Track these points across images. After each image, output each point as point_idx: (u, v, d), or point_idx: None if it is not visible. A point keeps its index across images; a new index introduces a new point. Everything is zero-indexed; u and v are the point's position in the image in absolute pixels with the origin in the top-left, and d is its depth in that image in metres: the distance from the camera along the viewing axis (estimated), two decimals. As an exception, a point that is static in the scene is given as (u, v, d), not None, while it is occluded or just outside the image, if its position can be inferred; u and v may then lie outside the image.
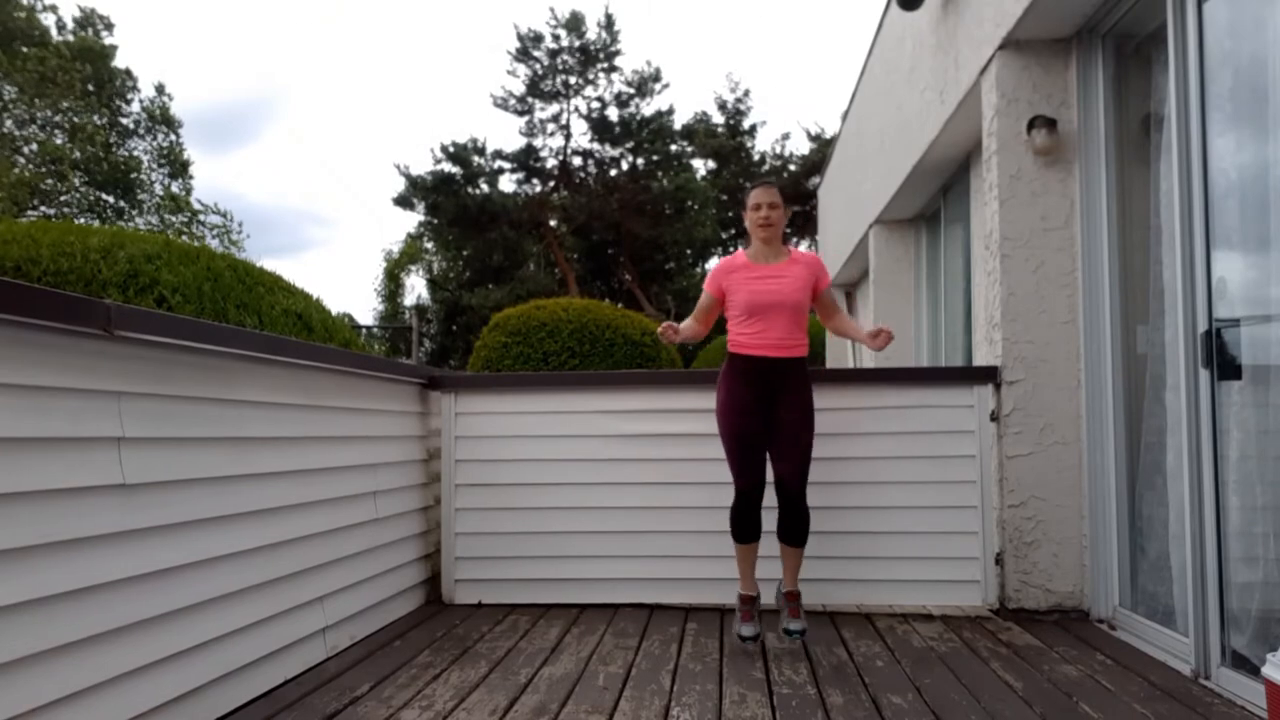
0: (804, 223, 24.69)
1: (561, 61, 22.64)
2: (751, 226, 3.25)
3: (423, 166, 25.97)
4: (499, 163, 22.71)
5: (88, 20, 21.97)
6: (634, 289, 22.92)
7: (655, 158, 23.33)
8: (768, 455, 3.21)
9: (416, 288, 26.24)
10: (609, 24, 22.66)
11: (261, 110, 49.07)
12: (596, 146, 23.44)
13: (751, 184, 3.31)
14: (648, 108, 23.24)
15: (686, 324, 3.39)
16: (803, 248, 25.54)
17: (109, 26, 22.35)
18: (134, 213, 21.90)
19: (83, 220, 19.82)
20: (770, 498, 3.26)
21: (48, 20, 21.12)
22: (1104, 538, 3.52)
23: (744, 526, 3.23)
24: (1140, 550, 3.37)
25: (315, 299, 5.58)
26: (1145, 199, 3.30)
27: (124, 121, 22.32)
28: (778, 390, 3.16)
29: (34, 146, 19.85)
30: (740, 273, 3.24)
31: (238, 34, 48.62)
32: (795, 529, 3.20)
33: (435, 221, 22.82)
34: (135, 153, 22.43)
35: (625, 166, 23.55)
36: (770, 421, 3.17)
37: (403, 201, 22.63)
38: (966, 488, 3.79)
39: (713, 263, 25.52)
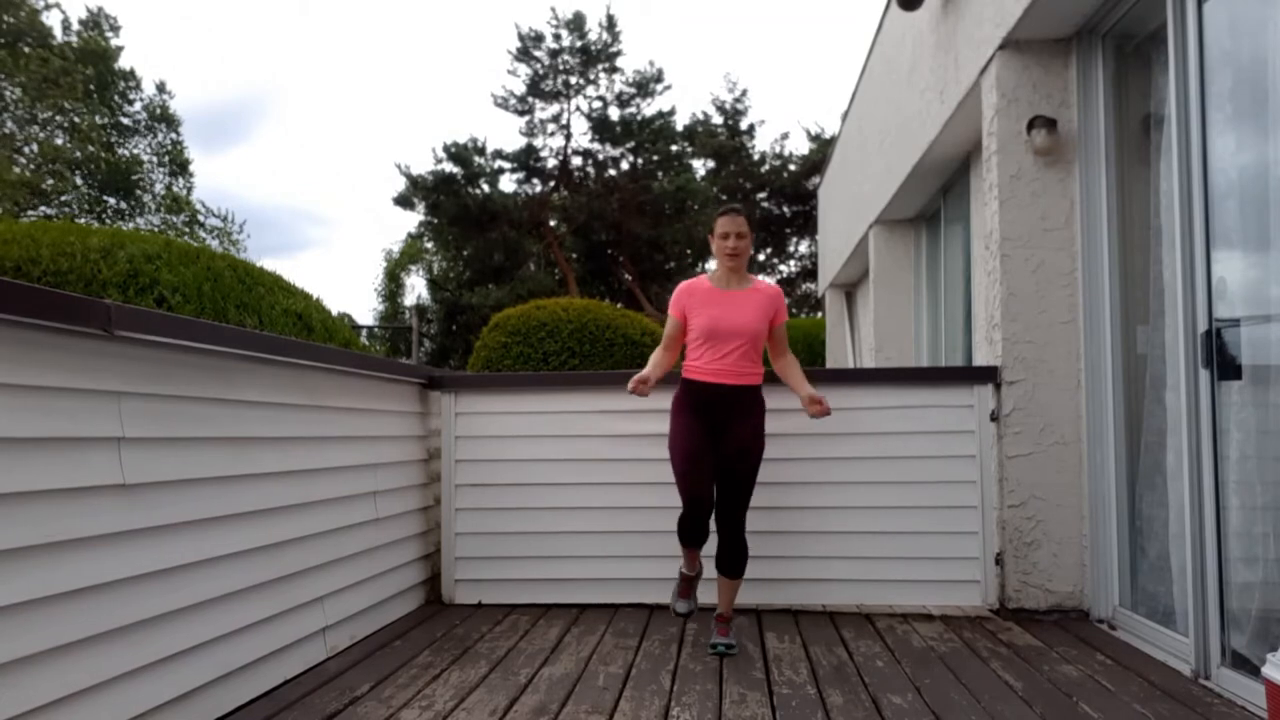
0: (804, 223, 24.70)
1: (562, 61, 22.62)
2: (718, 254, 3.23)
3: (423, 166, 25.93)
4: (499, 163, 22.68)
5: (95, 20, 21.94)
6: (634, 289, 22.91)
7: (655, 158, 23.32)
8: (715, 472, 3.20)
9: (416, 288, 26.26)
10: (610, 24, 22.64)
11: (259, 109, 48.99)
12: (597, 146, 23.43)
13: (720, 210, 3.26)
14: (649, 108, 23.24)
15: (655, 358, 3.30)
16: (803, 248, 25.31)
17: (115, 28, 22.32)
18: (135, 213, 21.88)
19: (83, 220, 19.82)
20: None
21: (51, 20, 21.12)
22: (1104, 538, 3.52)
23: (692, 533, 3.20)
24: (1140, 550, 3.37)
25: (315, 299, 5.59)
26: (1145, 199, 3.30)
27: (125, 121, 22.30)
28: (729, 417, 3.16)
29: (34, 146, 19.85)
30: (701, 296, 3.22)
31: (235, 33, 48.57)
32: (734, 561, 3.22)
33: (435, 221, 22.81)
34: (136, 151, 22.41)
35: (625, 166, 23.54)
36: (719, 446, 3.16)
37: (403, 201, 22.61)
38: (966, 488, 3.79)
39: (711, 264, 25.52)
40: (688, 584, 3.31)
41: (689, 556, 3.30)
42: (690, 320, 3.23)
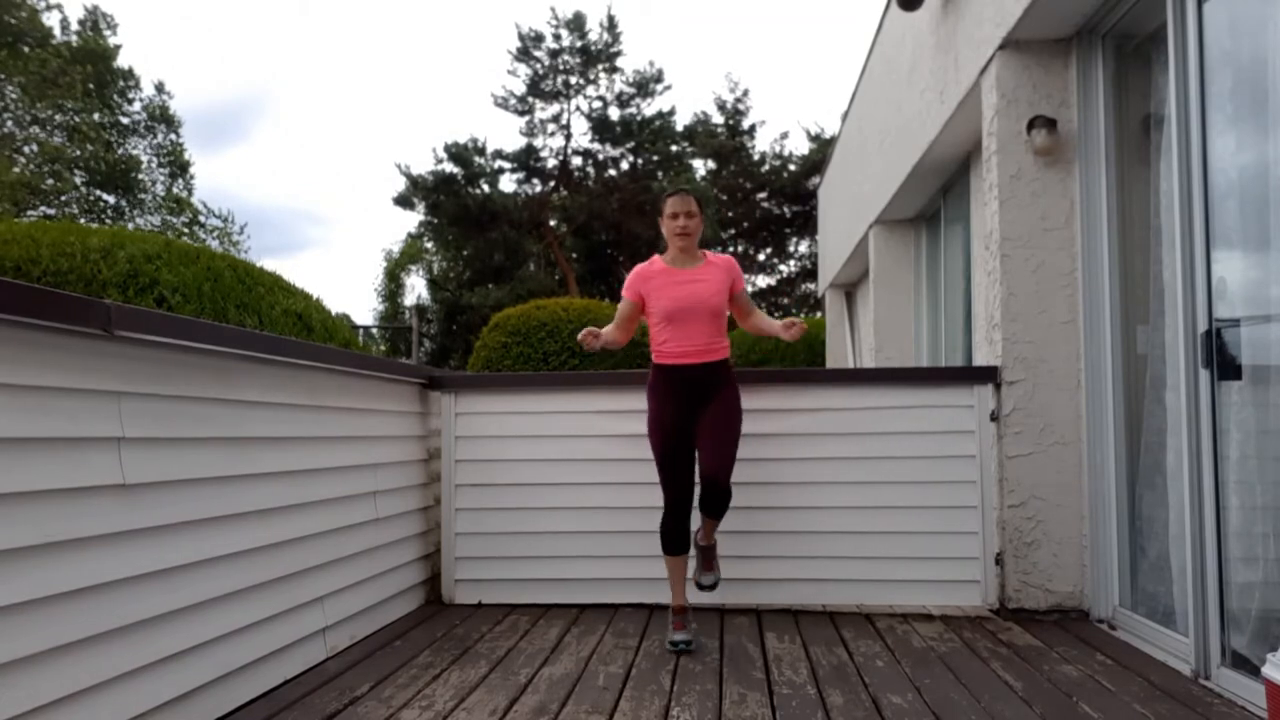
0: (804, 223, 24.69)
1: (563, 61, 22.64)
2: (669, 234, 3.27)
3: (423, 166, 25.96)
4: (499, 163, 22.71)
5: (93, 19, 21.94)
6: (634, 289, 22.88)
7: (655, 158, 23.33)
8: (696, 455, 3.24)
9: (417, 288, 26.25)
10: (610, 24, 22.66)
11: (259, 109, 49.00)
12: (597, 146, 23.45)
13: (667, 192, 3.31)
14: (649, 108, 23.25)
15: (608, 330, 3.31)
16: (803, 248, 25.30)
17: (113, 26, 22.33)
18: (134, 213, 21.89)
19: (83, 220, 19.82)
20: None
21: (51, 20, 21.12)
22: (1104, 538, 3.52)
23: (674, 539, 3.24)
24: (1140, 550, 3.37)
25: (315, 299, 5.59)
26: (1145, 199, 3.30)
27: (124, 121, 22.29)
28: (704, 394, 3.20)
29: (34, 146, 19.85)
30: (658, 278, 3.25)
31: (235, 33, 48.57)
32: (715, 503, 3.22)
33: (436, 221, 22.82)
34: (135, 152, 22.41)
35: (625, 166, 23.56)
36: (698, 423, 3.20)
37: (403, 201, 22.63)
38: (966, 488, 3.79)
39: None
40: (681, 617, 3.23)
41: (674, 574, 3.27)
42: (649, 304, 3.25)
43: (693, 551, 3.37)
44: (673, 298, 3.19)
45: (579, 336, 3.20)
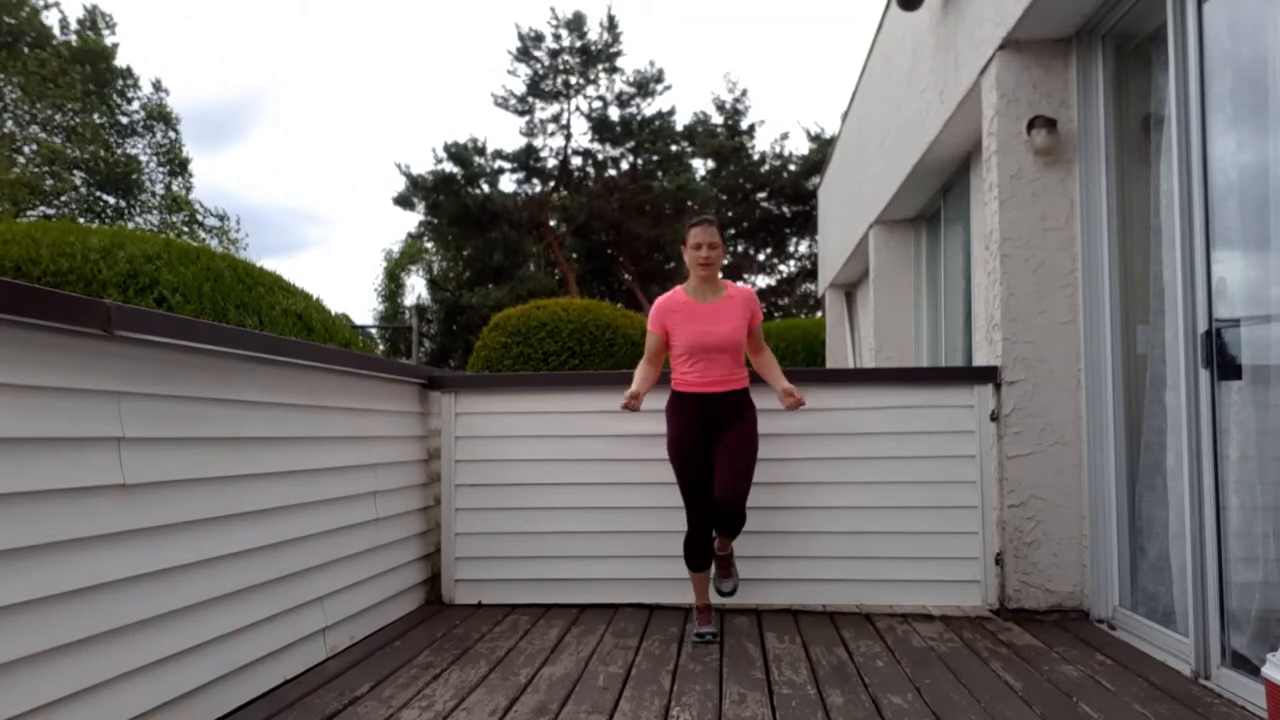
0: (804, 223, 24.69)
1: (562, 61, 22.62)
2: (691, 264, 3.32)
3: (423, 166, 25.94)
4: (499, 162, 22.69)
5: (91, 18, 21.93)
6: (634, 289, 22.91)
7: (655, 158, 23.31)
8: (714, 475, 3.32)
9: (416, 288, 26.24)
10: (610, 24, 22.65)
11: (258, 108, 48.91)
12: (597, 146, 23.44)
13: (691, 221, 3.36)
14: (649, 108, 23.24)
15: (641, 374, 3.36)
16: (803, 248, 25.23)
17: (111, 26, 22.32)
18: (134, 212, 21.87)
19: (82, 220, 19.82)
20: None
21: (50, 19, 21.11)
22: (1104, 538, 3.52)
23: (698, 556, 3.38)
24: (1140, 550, 3.37)
25: (315, 299, 5.59)
26: (1145, 199, 3.30)
27: (123, 120, 22.27)
28: (722, 420, 3.29)
29: (33, 146, 19.84)
30: (681, 312, 3.31)
31: (234, 32, 48.53)
32: (729, 524, 3.34)
33: (435, 221, 22.81)
34: (134, 151, 22.39)
35: (625, 166, 23.55)
36: (716, 448, 3.28)
37: (403, 201, 22.62)
38: (966, 488, 3.79)
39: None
40: (705, 612, 3.40)
41: (698, 586, 3.42)
42: (673, 337, 3.32)
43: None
44: (696, 333, 3.26)
45: (622, 405, 3.25)
